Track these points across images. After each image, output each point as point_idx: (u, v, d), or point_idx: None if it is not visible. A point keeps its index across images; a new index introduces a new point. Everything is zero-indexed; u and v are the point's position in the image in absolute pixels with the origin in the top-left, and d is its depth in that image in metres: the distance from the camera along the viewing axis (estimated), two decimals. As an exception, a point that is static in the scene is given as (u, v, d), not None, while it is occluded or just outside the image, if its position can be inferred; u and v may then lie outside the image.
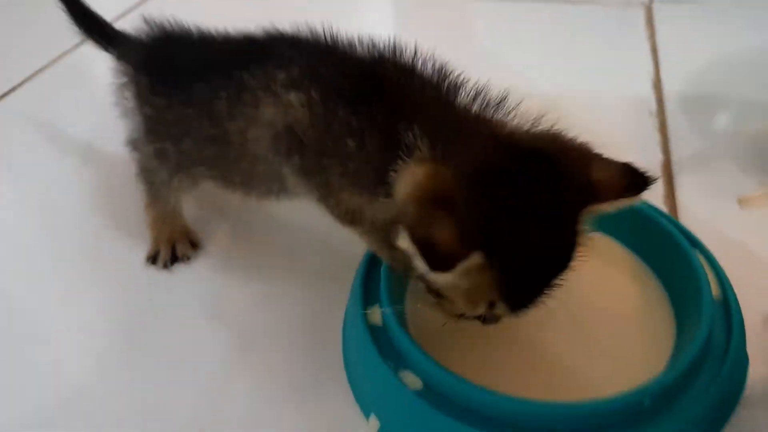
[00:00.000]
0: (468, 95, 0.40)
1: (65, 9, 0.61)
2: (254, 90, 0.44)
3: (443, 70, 0.42)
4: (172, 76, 0.49)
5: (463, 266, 0.33)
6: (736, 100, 0.75)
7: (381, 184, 0.39)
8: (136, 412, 0.44)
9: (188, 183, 0.53)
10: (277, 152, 0.44)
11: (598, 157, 0.37)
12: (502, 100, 0.40)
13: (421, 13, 1.05)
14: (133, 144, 0.55)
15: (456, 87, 0.41)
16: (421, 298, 0.42)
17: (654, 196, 0.58)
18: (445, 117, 0.39)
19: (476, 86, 0.40)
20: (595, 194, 0.36)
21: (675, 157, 0.64)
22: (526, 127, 0.38)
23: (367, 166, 0.40)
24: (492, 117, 0.39)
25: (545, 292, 0.36)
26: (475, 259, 0.33)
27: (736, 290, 0.44)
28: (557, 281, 0.36)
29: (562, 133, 0.38)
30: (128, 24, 0.58)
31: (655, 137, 0.67)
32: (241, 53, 0.47)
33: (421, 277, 0.38)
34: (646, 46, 0.85)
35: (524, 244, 0.34)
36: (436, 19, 1.02)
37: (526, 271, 0.35)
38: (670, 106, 0.72)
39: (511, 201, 0.34)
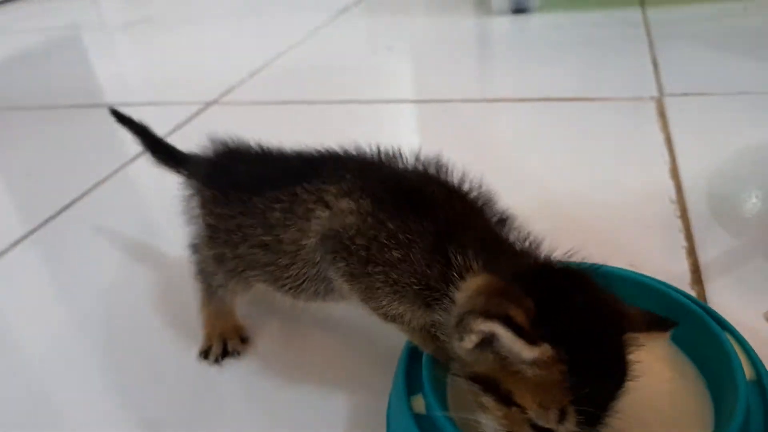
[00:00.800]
0: (512, 228, 0.45)
1: (142, 144, 0.69)
2: (306, 203, 0.49)
3: (489, 199, 0.46)
4: (233, 189, 0.54)
5: (539, 351, 0.35)
6: (754, 185, 0.78)
7: (422, 294, 0.43)
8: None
9: (243, 285, 0.57)
10: (323, 256, 0.47)
11: (625, 304, 0.41)
12: (542, 239, 0.44)
13: (442, 113, 1.13)
14: (195, 248, 0.60)
15: (500, 218, 0.45)
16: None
17: (680, 282, 0.60)
18: (494, 244, 0.43)
19: (518, 220, 0.45)
20: (630, 323, 0.39)
21: (698, 242, 0.67)
22: (563, 261, 0.42)
23: (410, 278, 0.44)
24: (534, 251, 0.43)
25: (612, 402, 0.37)
26: (545, 350, 0.35)
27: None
28: (620, 393, 0.38)
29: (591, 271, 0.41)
30: (178, 138, 0.66)
31: (677, 224, 0.70)
32: (295, 170, 0.52)
33: (492, 385, 0.39)
34: (660, 137, 0.90)
35: (589, 347, 0.37)
36: (456, 120, 1.09)
37: (593, 374, 0.37)
38: (689, 192, 0.76)
39: (571, 307, 0.37)
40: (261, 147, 0.57)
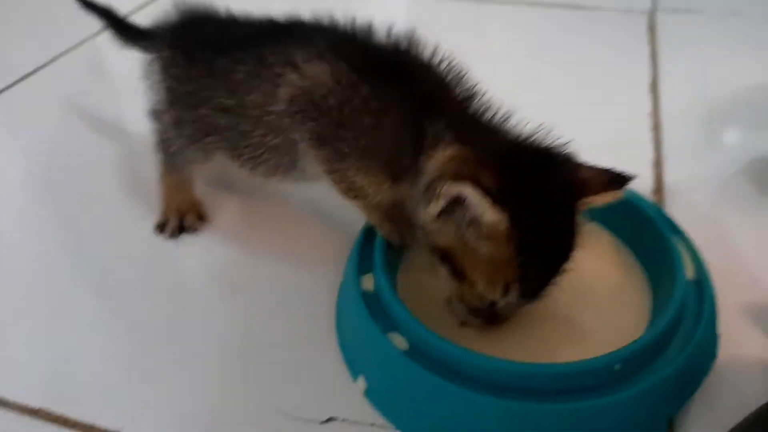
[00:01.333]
0: (481, 103, 0.44)
1: (108, 25, 0.65)
2: (274, 66, 0.47)
3: (459, 74, 0.45)
4: (196, 50, 0.51)
5: (499, 217, 0.37)
6: (728, 110, 0.77)
7: (391, 165, 0.43)
8: (137, 365, 0.47)
9: (201, 154, 0.56)
10: (292, 117, 0.46)
11: (583, 163, 0.42)
12: (509, 113, 0.43)
13: (432, 8, 1.08)
14: (155, 114, 0.57)
15: (470, 92, 0.44)
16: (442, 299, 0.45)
17: (642, 190, 0.61)
18: (464, 118, 0.43)
19: (487, 96, 0.44)
20: (587, 189, 0.40)
21: (666, 156, 0.67)
22: (530, 136, 0.42)
23: (381, 146, 0.43)
24: (501, 124, 0.43)
25: (553, 278, 0.40)
26: (503, 219, 0.37)
27: (717, 281, 0.46)
28: (563, 269, 0.40)
29: (556, 142, 0.42)
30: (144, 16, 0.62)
31: (648, 136, 0.70)
32: (264, 33, 0.50)
33: (449, 257, 0.41)
34: (646, 51, 0.88)
35: (540, 226, 0.38)
36: (445, 16, 1.05)
37: (540, 253, 0.39)
38: (666, 109, 0.75)
39: (528, 186, 0.38)
40: (228, 12, 0.55)
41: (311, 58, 0.45)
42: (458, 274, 0.41)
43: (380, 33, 0.47)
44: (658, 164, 0.65)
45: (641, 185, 0.61)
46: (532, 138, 0.42)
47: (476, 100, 0.44)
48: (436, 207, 0.39)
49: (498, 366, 0.39)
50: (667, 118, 0.73)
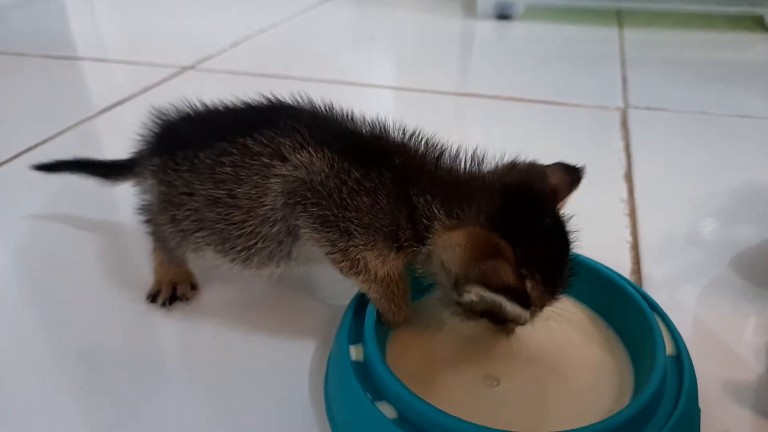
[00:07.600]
0: (453, 158, 0.48)
1: (90, 174, 0.68)
2: (261, 156, 0.48)
3: (428, 141, 0.49)
4: (180, 149, 0.52)
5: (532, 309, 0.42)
6: (701, 201, 0.81)
7: (393, 237, 0.46)
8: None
9: (193, 250, 0.56)
10: (293, 207, 0.47)
11: (545, 167, 0.48)
12: (477, 154, 0.48)
13: (419, 103, 1.15)
14: (147, 215, 0.58)
15: (442, 152, 0.48)
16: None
17: (622, 270, 0.63)
18: (445, 180, 0.46)
19: (457, 149, 0.48)
20: (558, 196, 0.47)
21: (642, 239, 0.70)
22: (501, 170, 0.47)
23: (381, 220, 0.46)
24: (477, 170, 0.47)
25: (568, 269, 0.45)
26: (534, 281, 0.42)
27: (694, 353, 0.47)
28: (571, 256, 0.45)
29: (521, 162, 0.48)
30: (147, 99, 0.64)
31: (625, 221, 0.74)
32: (244, 121, 0.52)
33: (487, 314, 0.45)
34: (620, 144, 0.94)
35: (551, 256, 0.43)
36: (431, 110, 1.12)
37: (558, 269, 0.44)
38: (640, 195, 0.79)
39: (532, 228, 0.43)
40: (207, 105, 0.56)
41: (297, 148, 0.47)
42: (501, 321, 0.45)
43: (356, 119, 0.51)
44: (635, 247, 0.69)
45: (620, 267, 0.64)
46: (501, 169, 0.47)
47: (445, 157, 0.48)
48: (469, 299, 0.42)
49: (485, 436, 0.39)
50: (642, 205, 0.77)
